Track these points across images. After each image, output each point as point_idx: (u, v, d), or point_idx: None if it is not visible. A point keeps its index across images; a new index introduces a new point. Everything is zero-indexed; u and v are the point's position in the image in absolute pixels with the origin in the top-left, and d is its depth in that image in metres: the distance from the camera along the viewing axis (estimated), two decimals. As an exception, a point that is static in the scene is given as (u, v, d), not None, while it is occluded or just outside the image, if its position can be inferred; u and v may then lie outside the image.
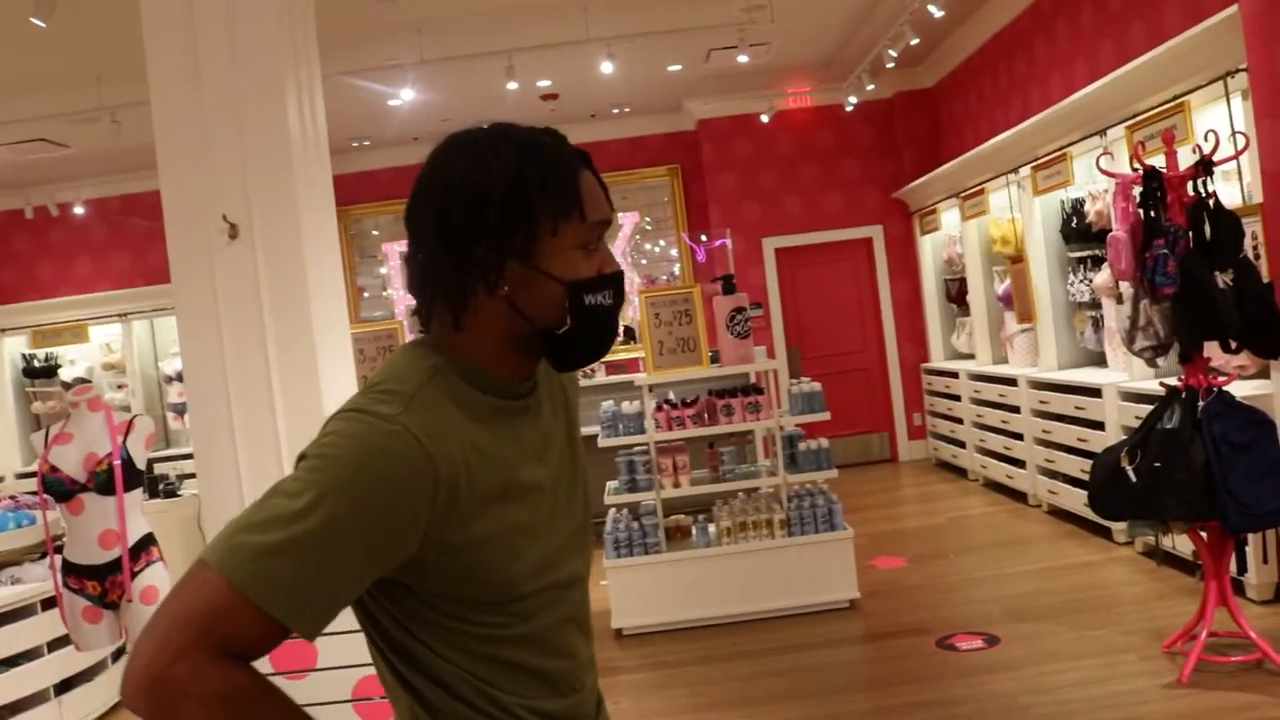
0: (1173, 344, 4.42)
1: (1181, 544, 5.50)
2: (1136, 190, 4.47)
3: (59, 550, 4.58)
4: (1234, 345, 4.33)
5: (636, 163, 10.92)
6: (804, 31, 8.79)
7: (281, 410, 4.02)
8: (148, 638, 1.14)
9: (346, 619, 1.28)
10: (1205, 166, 4.31)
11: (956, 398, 9.25)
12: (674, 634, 5.69)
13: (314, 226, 4.22)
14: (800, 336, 10.60)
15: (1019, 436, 7.81)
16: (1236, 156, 4.61)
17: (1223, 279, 4.25)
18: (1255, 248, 4.87)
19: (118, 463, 4.42)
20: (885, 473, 10.15)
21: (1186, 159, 4.53)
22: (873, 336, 10.68)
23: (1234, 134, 4.60)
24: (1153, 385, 5.56)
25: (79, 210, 10.38)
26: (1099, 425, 6.37)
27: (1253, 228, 4.85)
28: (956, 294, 9.71)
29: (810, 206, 10.55)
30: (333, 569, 1.17)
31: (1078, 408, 6.68)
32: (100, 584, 4.46)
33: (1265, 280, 4.43)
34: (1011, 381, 7.88)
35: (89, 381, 5.29)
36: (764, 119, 10.17)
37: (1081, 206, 6.95)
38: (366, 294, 11.09)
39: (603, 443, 5.86)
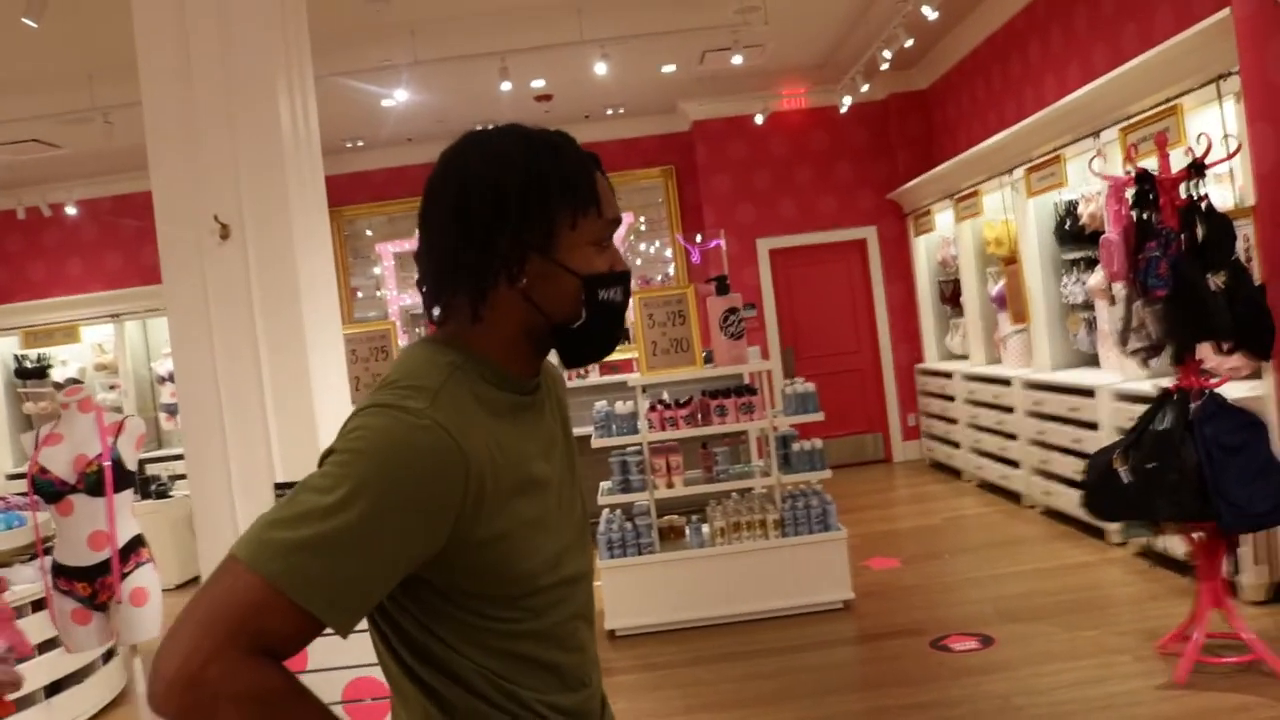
0: (1165, 345, 4.42)
1: (1175, 545, 5.51)
2: (1129, 192, 4.48)
3: (49, 552, 4.56)
4: (1226, 347, 4.33)
5: (631, 164, 10.91)
6: (798, 33, 8.79)
7: (272, 411, 4.01)
8: (177, 638, 1.13)
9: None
10: (1198, 169, 4.31)
11: (951, 398, 9.25)
12: (667, 635, 5.68)
13: (306, 227, 4.21)
14: (794, 337, 10.60)
15: (1013, 437, 7.81)
16: (1229, 159, 4.61)
17: (1215, 281, 4.26)
18: (1247, 250, 4.87)
19: (107, 464, 4.40)
20: (879, 473, 10.15)
21: (1179, 161, 4.54)
22: (867, 337, 10.68)
23: (1226, 137, 4.60)
24: (1146, 386, 5.57)
25: (71, 210, 10.35)
26: (1093, 426, 6.37)
27: (1245, 230, 4.85)
28: (950, 295, 9.72)
29: (804, 208, 10.56)
30: (367, 564, 1.17)
31: (1071, 409, 6.68)
32: (90, 585, 4.45)
33: (1257, 283, 4.44)
34: (1006, 382, 7.88)
35: (80, 382, 5.27)
36: (758, 120, 10.17)
37: (1075, 208, 6.96)
38: (360, 294, 11.07)
39: (596, 443, 5.86)
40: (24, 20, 5.37)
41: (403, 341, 9.11)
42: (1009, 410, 7.83)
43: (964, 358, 9.50)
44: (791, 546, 5.74)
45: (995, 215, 8.21)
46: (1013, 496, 7.99)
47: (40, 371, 10.14)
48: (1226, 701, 4.00)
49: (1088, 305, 7.01)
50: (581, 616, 1.44)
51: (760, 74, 9.90)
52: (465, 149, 1.37)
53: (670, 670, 5.15)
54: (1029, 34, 7.97)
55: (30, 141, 8.79)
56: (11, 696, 4.06)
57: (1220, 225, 4.29)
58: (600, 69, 7.87)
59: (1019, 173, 7.50)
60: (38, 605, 4.95)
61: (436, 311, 1.40)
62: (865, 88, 9.42)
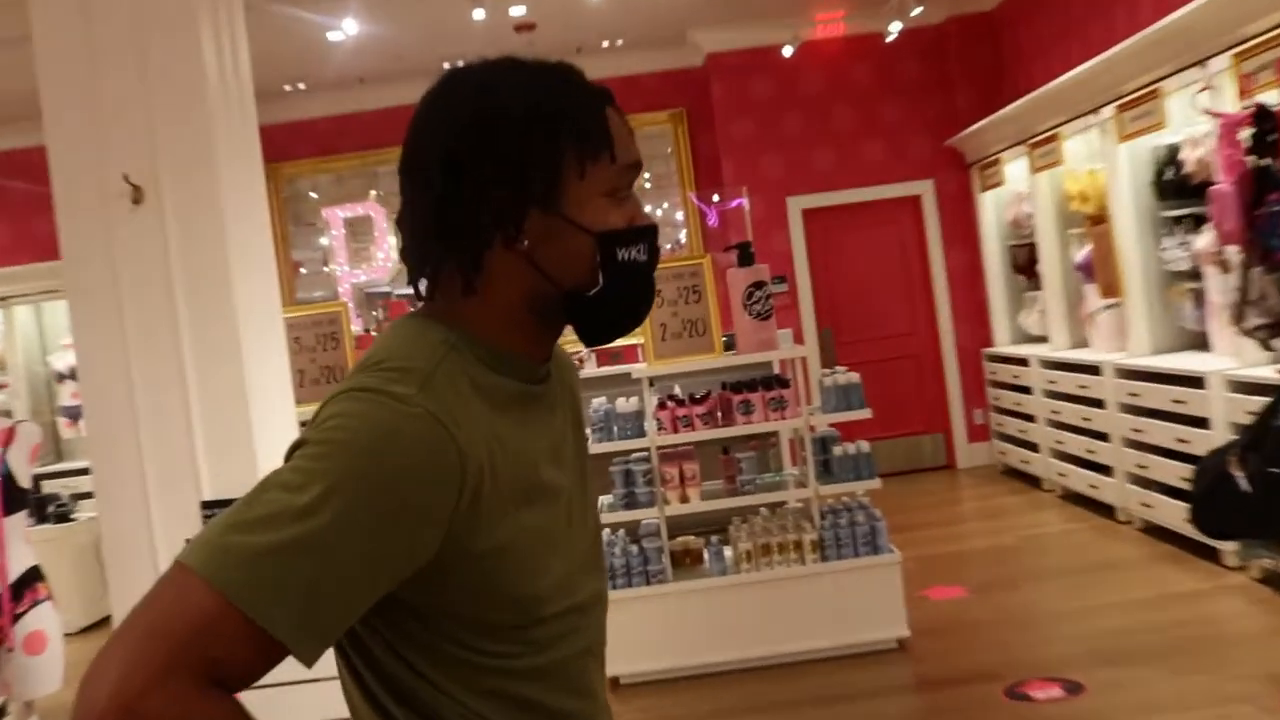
0: (1292, 322, 4.41)
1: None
2: (1245, 134, 4.46)
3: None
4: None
5: (632, 107, 10.84)
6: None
7: (199, 414, 4.01)
8: (110, 659, 1.11)
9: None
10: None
11: (1027, 390, 9.24)
12: (682, 683, 5.68)
13: (236, 188, 4.21)
14: (834, 317, 10.59)
15: (1104, 437, 7.80)
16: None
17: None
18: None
19: (-3, 480, 4.40)
20: (940, 483, 10.15)
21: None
22: (923, 316, 10.67)
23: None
24: (1268, 372, 5.55)
25: (-54, 172, 10.35)
26: (1202, 422, 6.36)
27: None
28: (1025, 263, 9.69)
29: (845, 158, 10.53)
30: (342, 577, 1.17)
31: (1176, 401, 6.67)
32: (-24, 629, 4.45)
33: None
34: (1094, 370, 7.87)
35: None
36: (787, 52, 10.13)
37: (1177, 155, 6.93)
38: (304, 270, 11.08)
39: (594, 448, 5.85)
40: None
41: (356, 326, 9.11)
42: (1098, 404, 7.82)
43: (1042, 340, 9.49)
44: (833, 573, 5.74)
45: (1079, 165, 8.18)
46: (1104, 510, 7.99)
47: (-91, 369, 10.15)
48: (1370, 758, 4.00)
49: (1195, 274, 6.99)
50: (592, 653, 1.45)
51: (789, -6, 9.89)
52: (450, 86, 1.38)
53: (687, 726, 5.16)
54: (1120, -59, 7.94)
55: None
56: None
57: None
58: (593, -10, 7.86)
59: (1108, 112, 7.46)
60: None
61: (424, 284, 1.40)
62: (918, 10, 9.37)
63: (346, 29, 8.30)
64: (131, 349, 4.04)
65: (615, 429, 5.88)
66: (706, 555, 5.91)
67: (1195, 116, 6.43)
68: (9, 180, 10.54)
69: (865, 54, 10.52)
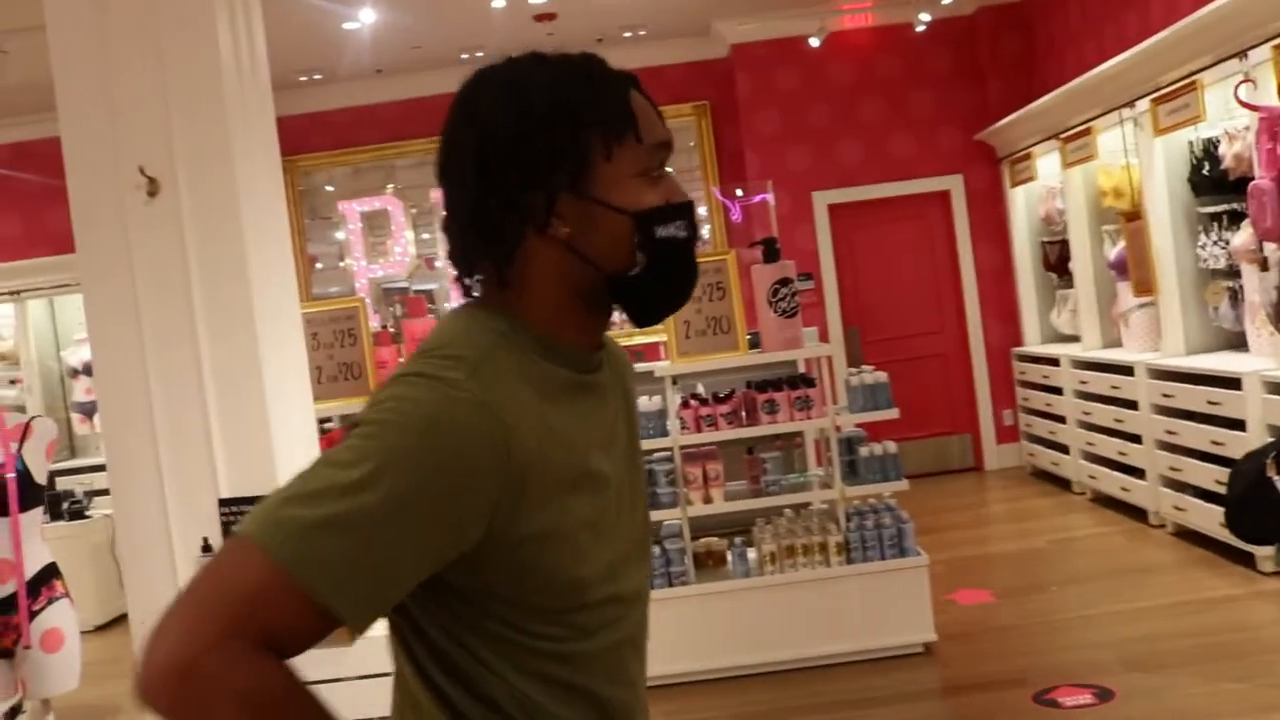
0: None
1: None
2: (1286, 128, 4.44)
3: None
4: None
5: (655, 100, 10.87)
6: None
7: (216, 411, 4.03)
8: (171, 623, 1.21)
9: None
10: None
11: (1058, 391, 9.22)
12: (705, 686, 5.69)
13: (253, 180, 4.23)
14: (860, 315, 10.58)
15: (1136, 439, 7.78)
16: None
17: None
18: None
19: (11, 476, 4.44)
20: (968, 484, 10.14)
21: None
22: (951, 314, 10.65)
23: None
24: (1306, 373, 5.53)
25: (-42, 163, 10.41)
26: (1238, 424, 6.33)
27: None
28: (1056, 260, 9.67)
29: (872, 152, 10.52)
30: (391, 553, 1.25)
31: (1211, 402, 6.65)
32: (-9, 627, 4.49)
33: None
34: (1127, 370, 7.84)
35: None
36: (814, 43, 10.12)
37: (1215, 149, 6.90)
38: (320, 265, 11.12)
39: (614, 449, 5.86)
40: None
41: (374, 323, 9.14)
42: (1131, 405, 7.79)
43: (1074, 339, 9.46)
44: (859, 576, 5.74)
45: (1113, 159, 8.15)
46: (1136, 513, 7.96)
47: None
48: None
49: (1232, 271, 6.96)
50: (634, 644, 1.53)
51: (816, -16, 9.87)
52: (476, 84, 1.47)
53: (709, 730, 5.17)
54: (1156, -70, 7.91)
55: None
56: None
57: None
58: (616, -20, 7.86)
59: (1143, 105, 7.43)
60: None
61: (469, 283, 1.49)
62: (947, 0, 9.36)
63: (363, 18, 8.32)
64: (147, 343, 4.06)
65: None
66: (730, 557, 5.92)
67: (1234, 110, 6.40)
68: (22, 172, 10.61)
69: (894, 45, 10.50)
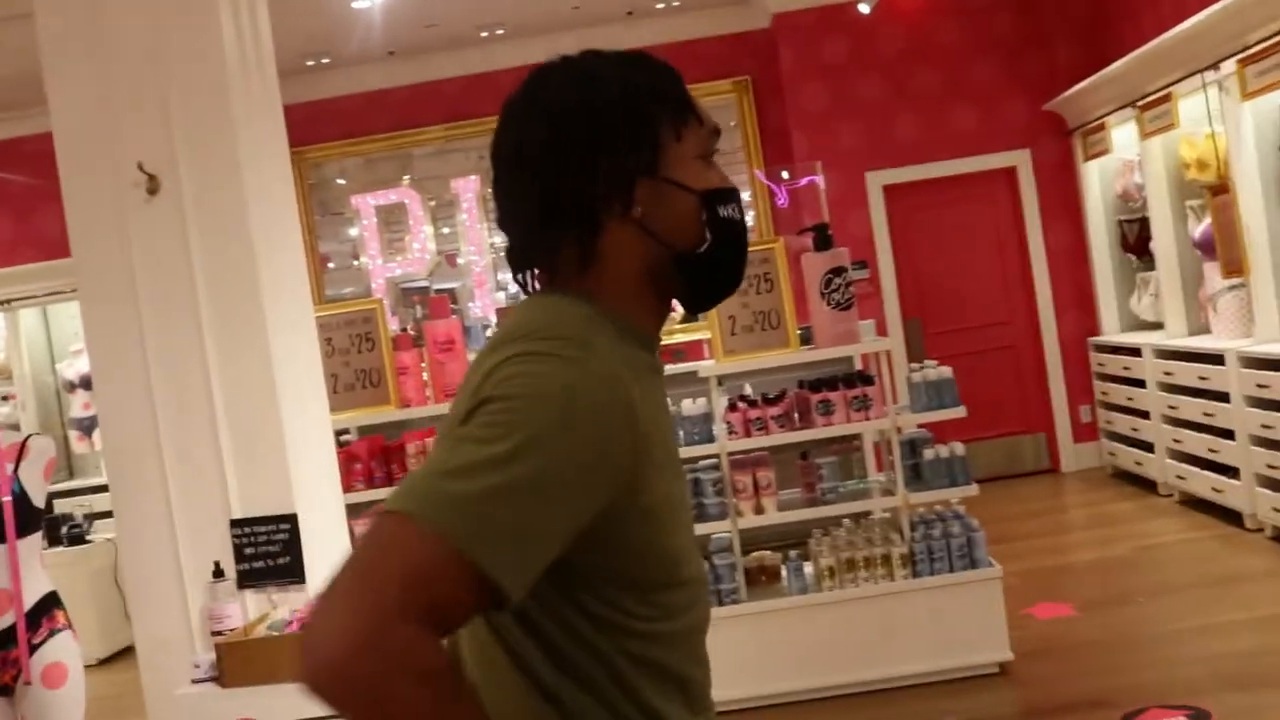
0: None
1: None
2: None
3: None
4: None
5: (691, 76, 10.65)
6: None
7: (225, 425, 4.06)
8: (335, 605, 1.27)
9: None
10: None
11: (1140, 384, 9.18)
12: (759, 714, 5.69)
13: (260, 174, 4.25)
14: (921, 305, 10.56)
15: (1229, 435, 7.73)
16: None
17: None
18: None
19: (7, 499, 4.47)
20: (1043, 488, 10.10)
21: None
22: (1021, 302, 10.62)
23: None
24: None
25: (-58, 163, 10.52)
26: (1341, 416, 6.29)
27: None
28: (1136, 241, 9.63)
29: (930, 127, 10.49)
30: (545, 523, 1.37)
31: (1311, 393, 6.59)
32: (-11, 662, 4.52)
33: None
34: (1216, 359, 7.80)
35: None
36: (864, 9, 10.09)
37: (1309, 114, 6.85)
38: (332, 264, 11.17)
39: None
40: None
41: (393, 325, 9.18)
42: (1222, 398, 7.75)
43: (1157, 327, 9.41)
44: (925, 590, 5.73)
45: (1197, 128, 8.10)
46: (1231, 516, 7.91)
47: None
48: None
49: (1330, 249, 6.91)
50: (704, 629, 1.67)
51: (865, -55, 9.84)
52: (546, 75, 1.63)
53: (766, 762, 5.18)
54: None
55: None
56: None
57: None
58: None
59: (1229, 66, 7.38)
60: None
61: (530, 276, 1.63)
62: (1010, -41, 9.32)
63: (375, -3, 8.37)
64: (150, 354, 4.09)
65: (681, 434, 5.88)
66: (785, 572, 5.92)
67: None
68: (10, 172, 10.70)
69: (952, 9, 10.47)
